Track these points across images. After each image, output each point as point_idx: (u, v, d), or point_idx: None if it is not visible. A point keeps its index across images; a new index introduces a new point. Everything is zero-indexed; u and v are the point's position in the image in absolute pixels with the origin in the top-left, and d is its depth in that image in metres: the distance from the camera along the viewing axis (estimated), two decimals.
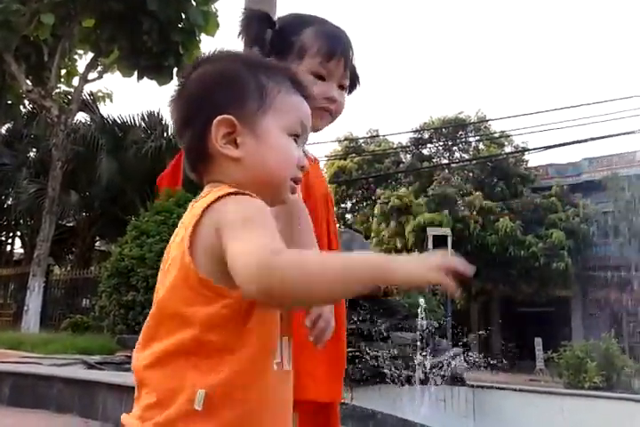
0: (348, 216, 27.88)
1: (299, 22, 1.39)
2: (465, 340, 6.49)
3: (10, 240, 24.12)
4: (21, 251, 22.91)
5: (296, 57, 1.32)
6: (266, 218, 0.85)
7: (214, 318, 0.82)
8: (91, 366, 5.90)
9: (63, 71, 17.10)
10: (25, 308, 12.82)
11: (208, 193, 0.91)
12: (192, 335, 0.82)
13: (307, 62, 1.29)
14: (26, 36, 13.72)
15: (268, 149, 0.94)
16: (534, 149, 22.07)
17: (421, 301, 6.29)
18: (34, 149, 20.67)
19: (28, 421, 4.17)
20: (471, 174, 22.62)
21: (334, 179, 24.97)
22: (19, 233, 22.86)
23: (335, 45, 1.35)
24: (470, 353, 6.16)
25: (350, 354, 5.92)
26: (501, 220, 19.18)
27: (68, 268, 19.34)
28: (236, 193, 0.89)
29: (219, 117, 0.93)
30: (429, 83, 79.58)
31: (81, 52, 17.10)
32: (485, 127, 23.99)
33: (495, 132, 23.47)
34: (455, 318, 9.99)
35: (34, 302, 12.75)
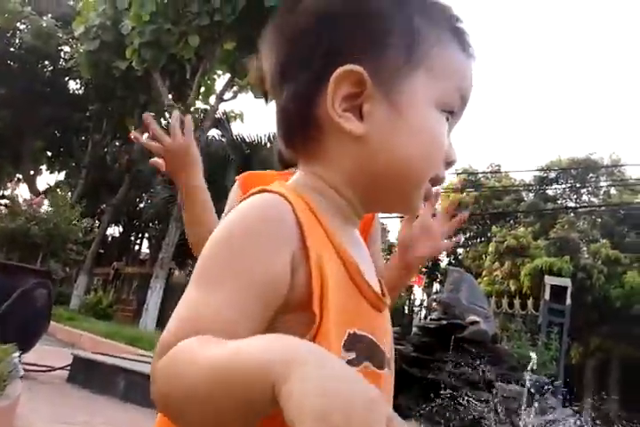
0: (460, 251, 27.18)
1: None
2: (578, 401, 6.02)
3: (138, 241, 26.00)
4: (147, 251, 24.61)
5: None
6: (238, 257, 0.53)
7: None
8: None
9: (202, 89, 18.27)
10: (145, 306, 13.65)
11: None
12: None
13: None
14: (172, 54, 14.80)
15: (409, 129, 0.60)
16: None
17: (532, 354, 5.92)
18: None
19: (139, 417, 4.37)
20: (599, 220, 21.28)
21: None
22: (147, 235, 24.57)
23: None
24: (582, 416, 5.69)
25: (452, 399, 5.69)
26: (629, 273, 17.83)
27: (188, 272, 20.47)
28: (262, 191, 0.59)
29: (343, 68, 0.59)
30: (560, 120, 76.45)
31: (219, 72, 18.22)
32: (620, 171, 22.57)
33: (630, 178, 21.97)
34: (568, 374, 9.30)
35: (153, 301, 13.56)
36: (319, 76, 0.60)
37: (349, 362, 0.56)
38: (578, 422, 5.61)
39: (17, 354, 2.89)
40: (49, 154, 24.75)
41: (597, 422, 5.56)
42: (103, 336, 10.05)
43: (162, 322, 14.46)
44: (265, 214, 0.56)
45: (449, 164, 0.65)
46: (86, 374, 5.54)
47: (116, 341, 9.62)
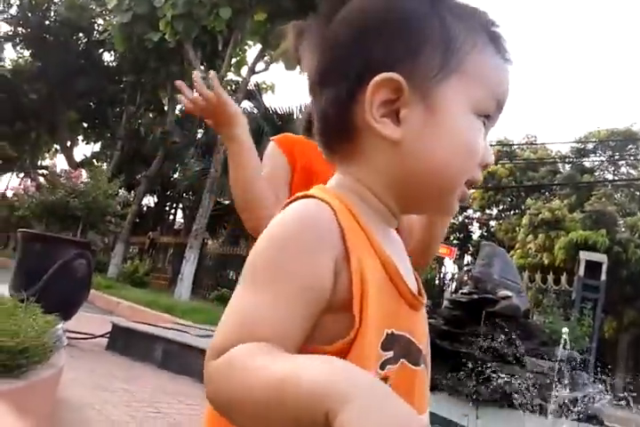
0: (492, 223, 26.91)
1: None
2: (610, 376, 6.00)
3: (173, 211, 26.45)
4: (182, 221, 25.08)
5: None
6: (283, 266, 0.56)
7: None
8: None
9: (233, 60, 18.20)
10: (180, 276, 13.99)
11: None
12: None
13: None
14: (204, 26, 14.74)
15: (444, 134, 0.62)
16: None
17: (565, 329, 5.90)
18: (201, 131, 22.36)
19: (172, 385, 4.54)
20: (638, 193, 20.76)
21: (482, 184, 24.17)
22: (181, 205, 24.97)
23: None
24: (614, 392, 5.69)
25: (482, 372, 5.74)
26: None
27: (220, 241, 20.81)
28: (306, 197, 0.62)
29: (382, 75, 0.61)
30: (599, 91, 74.02)
31: (250, 43, 18.11)
32: None
33: None
34: (601, 347, 9.23)
35: (188, 271, 13.85)
36: (357, 83, 0.62)
37: (387, 361, 0.59)
38: (609, 399, 5.61)
39: (61, 325, 3.02)
40: (85, 125, 25.13)
41: (629, 398, 5.57)
42: (140, 304, 10.35)
43: (195, 291, 14.81)
44: (309, 221, 0.58)
45: (485, 166, 0.67)
46: (125, 342, 5.73)
47: (152, 309, 9.91)
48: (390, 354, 0.60)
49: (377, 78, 0.61)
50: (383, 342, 0.59)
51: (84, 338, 5.78)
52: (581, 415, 5.33)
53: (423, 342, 0.67)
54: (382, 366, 0.58)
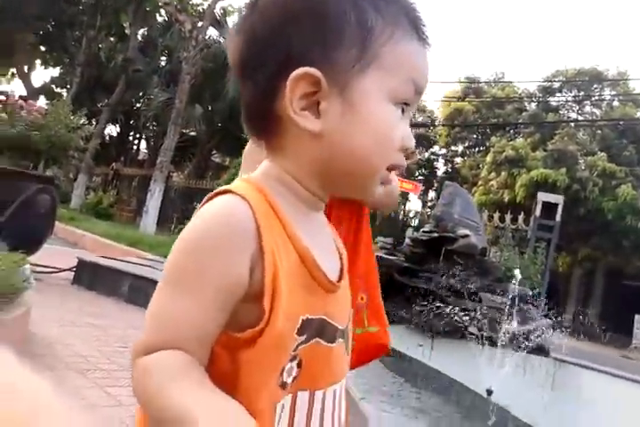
0: (458, 160, 27.18)
1: None
2: (558, 311, 6.36)
3: (136, 141, 25.84)
4: (145, 151, 24.62)
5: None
6: (205, 268, 0.60)
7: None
8: None
9: None
10: (145, 208, 13.91)
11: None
12: None
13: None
14: None
15: (362, 124, 0.64)
16: None
17: (517, 271, 6.17)
18: (164, 59, 21.52)
19: (140, 320, 4.59)
20: (599, 133, 21.09)
21: (448, 121, 24.18)
22: (144, 136, 24.41)
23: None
24: (562, 324, 6.06)
25: (439, 307, 6.02)
26: (623, 186, 17.97)
27: (186, 173, 20.56)
28: (226, 192, 0.64)
29: (300, 70, 0.62)
30: (569, 29, 73.11)
31: None
32: (624, 84, 22.02)
33: (634, 91, 21.48)
34: (554, 280, 9.68)
35: (153, 204, 13.78)
36: (277, 76, 0.64)
37: (300, 343, 0.65)
38: (556, 332, 6.00)
39: (28, 265, 3.04)
40: (42, 49, 23.92)
41: (573, 330, 5.96)
42: (106, 238, 10.32)
43: (161, 224, 14.83)
44: (224, 221, 0.61)
45: (406, 150, 0.68)
46: (91, 277, 5.78)
47: (117, 242, 9.91)
48: (303, 338, 0.64)
49: (294, 74, 0.62)
50: (299, 328, 0.63)
51: (50, 272, 5.81)
52: (529, 347, 5.69)
53: (341, 319, 0.71)
54: (295, 349, 0.64)
